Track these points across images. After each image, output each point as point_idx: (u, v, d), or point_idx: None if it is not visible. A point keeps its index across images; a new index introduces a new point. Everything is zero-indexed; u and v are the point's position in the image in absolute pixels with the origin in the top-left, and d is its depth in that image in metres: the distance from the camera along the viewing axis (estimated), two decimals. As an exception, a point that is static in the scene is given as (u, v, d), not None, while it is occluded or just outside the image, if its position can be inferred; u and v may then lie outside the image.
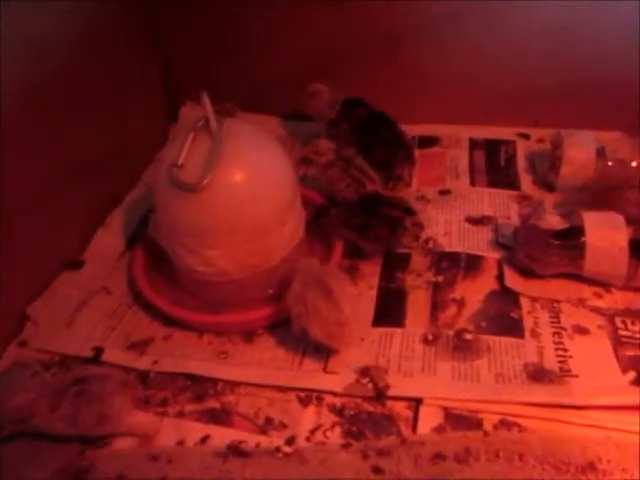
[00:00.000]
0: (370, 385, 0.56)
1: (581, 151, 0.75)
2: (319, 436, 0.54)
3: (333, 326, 0.56)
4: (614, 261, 0.62)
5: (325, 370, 0.59)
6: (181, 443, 0.54)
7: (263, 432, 0.55)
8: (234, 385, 0.59)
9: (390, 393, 0.56)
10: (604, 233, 0.62)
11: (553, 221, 0.74)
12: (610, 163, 0.74)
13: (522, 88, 0.89)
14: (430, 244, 0.72)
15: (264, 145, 0.64)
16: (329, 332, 0.57)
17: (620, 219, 0.63)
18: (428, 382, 0.56)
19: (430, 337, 0.60)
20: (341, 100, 0.85)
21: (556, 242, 0.64)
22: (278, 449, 0.52)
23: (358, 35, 0.90)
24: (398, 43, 0.89)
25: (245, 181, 0.60)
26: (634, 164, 0.76)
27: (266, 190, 0.61)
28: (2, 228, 0.62)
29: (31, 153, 0.66)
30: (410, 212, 0.70)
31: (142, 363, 0.61)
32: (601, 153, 0.76)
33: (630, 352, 0.58)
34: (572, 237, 0.63)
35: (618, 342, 0.59)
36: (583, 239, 0.62)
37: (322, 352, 0.61)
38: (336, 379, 0.58)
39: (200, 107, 0.60)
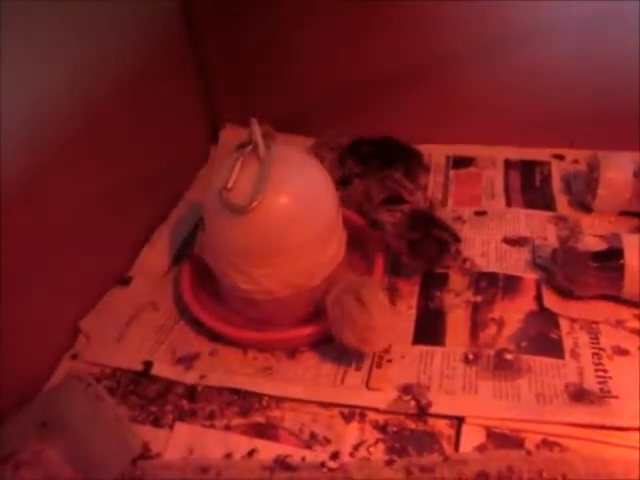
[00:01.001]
0: (412, 402, 0.58)
1: (619, 173, 0.76)
2: (362, 452, 0.56)
3: (363, 330, 0.58)
4: (653, 282, 0.62)
5: (367, 386, 0.60)
6: (229, 456, 0.56)
7: (308, 447, 0.56)
8: (279, 400, 0.61)
9: (432, 411, 0.57)
10: (643, 255, 0.63)
11: (591, 243, 0.74)
12: (646, 183, 0.75)
13: (556, 109, 0.89)
14: (467, 264, 0.73)
15: (308, 168, 0.66)
16: (359, 336, 0.59)
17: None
18: (470, 401, 0.57)
19: (471, 356, 0.62)
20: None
21: (595, 264, 0.65)
22: (323, 464, 0.54)
23: (398, 58, 0.92)
24: (442, 66, 0.91)
25: (291, 204, 0.62)
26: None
27: (310, 212, 0.63)
28: (54, 245, 0.65)
29: (84, 171, 0.70)
30: (458, 239, 0.71)
31: (190, 377, 0.63)
32: (638, 173, 0.76)
33: (671, 374, 0.58)
34: (611, 259, 0.64)
35: (662, 364, 0.60)
36: (622, 261, 0.63)
37: (364, 369, 0.62)
38: (379, 396, 0.59)
39: (239, 129, 0.63)
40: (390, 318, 0.62)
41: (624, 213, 0.79)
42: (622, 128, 0.87)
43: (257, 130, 0.62)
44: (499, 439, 0.55)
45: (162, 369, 0.64)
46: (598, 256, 0.65)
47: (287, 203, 0.62)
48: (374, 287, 0.61)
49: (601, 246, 0.71)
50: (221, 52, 0.97)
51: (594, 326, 0.64)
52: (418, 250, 0.68)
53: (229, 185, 0.61)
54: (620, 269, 0.63)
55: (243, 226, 0.61)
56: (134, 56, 0.79)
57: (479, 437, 0.55)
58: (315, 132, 0.99)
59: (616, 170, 0.76)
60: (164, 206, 0.87)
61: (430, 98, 0.93)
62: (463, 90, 0.92)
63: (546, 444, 0.54)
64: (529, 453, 0.53)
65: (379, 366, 0.62)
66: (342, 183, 0.78)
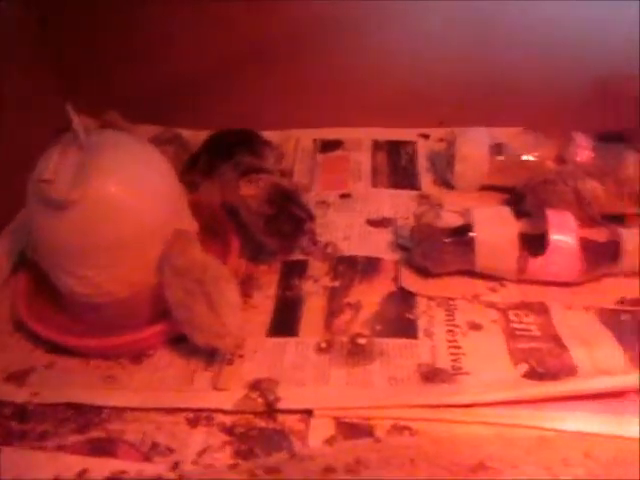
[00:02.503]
0: (260, 399, 0.54)
1: (474, 148, 0.75)
2: (208, 458, 0.51)
3: (213, 336, 0.54)
4: (503, 255, 0.62)
5: (216, 387, 0.56)
6: (56, 479, 0.50)
7: (147, 459, 0.52)
8: (120, 411, 0.56)
9: (280, 406, 0.53)
10: (492, 228, 0.62)
11: (450, 220, 0.74)
12: (501, 158, 0.75)
13: (425, 89, 0.89)
14: (329, 249, 0.70)
15: (143, 157, 0.61)
16: (209, 339, 0.55)
17: (509, 213, 0.63)
18: (320, 392, 0.54)
19: (323, 345, 0.59)
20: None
21: (448, 240, 0.63)
22: (160, 477, 0.49)
23: (254, 40, 0.88)
24: (299, 45, 0.88)
25: (121, 194, 0.57)
26: (531, 158, 0.76)
27: (145, 203, 0.58)
28: None
29: None
30: (312, 217, 0.68)
31: (21, 396, 0.57)
32: (495, 148, 0.76)
33: (522, 344, 0.58)
34: (463, 234, 0.63)
35: (511, 335, 0.59)
36: (472, 235, 0.62)
37: (214, 368, 0.58)
38: (226, 396, 0.55)
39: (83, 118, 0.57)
40: (242, 316, 0.58)
41: (487, 188, 0.79)
42: (489, 104, 0.87)
43: (75, 117, 0.56)
44: (349, 429, 0.52)
45: (-12, 389, 0.57)
46: (451, 232, 0.64)
47: (115, 193, 0.56)
48: (224, 282, 0.57)
49: (458, 222, 0.70)
50: (73, 44, 0.90)
51: (451, 303, 0.63)
52: (272, 227, 0.65)
53: (47, 176, 0.55)
54: (471, 243, 0.62)
55: (67, 222, 0.56)
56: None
57: (329, 429, 0.52)
58: (181, 122, 0.94)
59: (471, 145, 0.75)
60: (6, 210, 0.79)
61: (292, 82, 0.90)
62: (326, 73, 0.90)
63: (396, 429, 0.51)
64: (377, 441, 0.50)
65: (230, 363, 0.58)
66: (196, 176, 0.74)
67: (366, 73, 0.90)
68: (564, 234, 0.61)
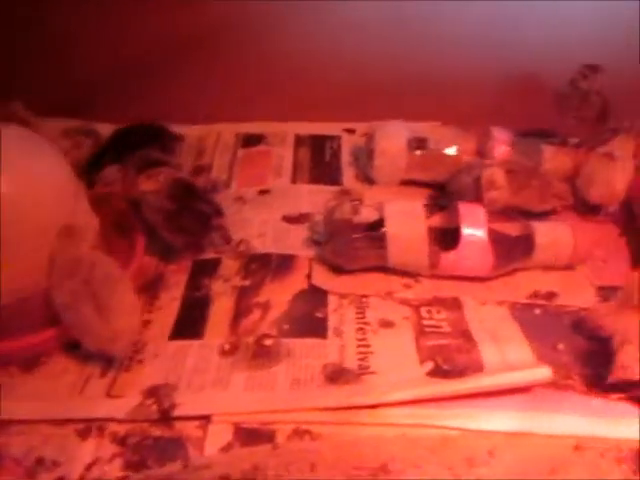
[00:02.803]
0: (155, 406, 0.51)
1: (392, 142, 0.74)
2: (96, 471, 0.48)
3: (105, 340, 0.51)
4: (415, 250, 0.60)
5: (109, 394, 0.53)
6: None
7: (31, 475, 0.48)
8: (5, 425, 0.51)
9: (176, 413, 0.50)
10: (403, 223, 0.61)
11: (370, 215, 0.72)
12: (419, 152, 0.74)
13: (349, 84, 0.87)
14: (242, 246, 0.68)
15: (32, 151, 0.57)
16: (101, 345, 0.51)
17: (420, 208, 0.62)
18: (218, 397, 0.51)
19: (227, 347, 0.56)
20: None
21: (359, 235, 0.62)
22: (40, 494, 0.46)
23: (175, 34, 0.85)
24: (222, 39, 0.86)
25: (4, 191, 0.52)
26: (450, 152, 0.76)
27: (35, 201, 0.55)
28: None
29: None
30: (220, 212, 0.65)
31: None
32: (415, 142, 0.75)
33: (431, 341, 0.56)
34: (374, 229, 0.61)
35: (421, 332, 0.57)
36: (383, 230, 0.60)
37: (110, 374, 0.55)
38: (119, 404, 0.51)
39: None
40: (138, 318, 0.55)
41: (408, 183, 0.77)
42: (409, 99, 0.86)
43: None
44: (248, 435, 0.49)
45: None
46: (362, 227, 0.63)
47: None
48: (112, 282, 0.53)
49: (375, 217, 0.68)
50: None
51: (364, 300, 0.61)
52: (176, 223, 0.62)
53: None
54: (382, 238, 0.61)
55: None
56: None
57: (226, 436, 0.49)
58: (101, 117, 0.90)
59: (390, 139, 0.74)
60: None
61: (214, 76, 0.87)
62: (250, 67, 0.88)
63: (297, 434, 0.49)
64: (276, 447, 0.48)
65: (128, 369, 0.55)
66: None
67: (291, 67, 0.88)
68: (475, 228, 0.60)
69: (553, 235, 0.63)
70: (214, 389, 0.52)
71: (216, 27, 0.85)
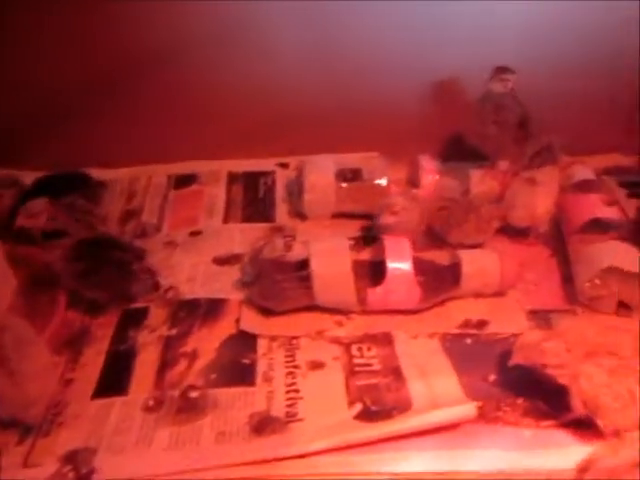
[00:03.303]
0: (72, 474, 0.48)
1: (320, 176, 0.74)
2: None
3: (18, 409, 0.48)
4: (341, 288, 0.60)
5: (26, 464, 0.50)
6: None
7: None
8: None
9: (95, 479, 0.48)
10: (328, 260, 0.60)
11: (302, 253, 0.71)
12: (346, 185, 0.74)
13: (278, 117, 0.87)
14: (170, 293, 0.66)
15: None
16: (15, 416, 0.49)
17: (344, 244, 0.61)
18: (140, 458, 0.49)
19: (151, 402, 0.54)
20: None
21: (285, 275, 0.61)
22: None
23: (95, 73, 0.84)
24: (146, 79, 0.84)
25: None
26: (381, 183, 0.76)
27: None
28: None
29: None
30: (140, 256, 0.64)
31: None
32: (343, 175, 0.75)
33: (361, 381, 0.55)
34: (299, 268, 0.61)
35: (351, 372, 0.56)
36: (309, 269, 0.60)
37: (28, 441, 0.52)
38: (35, 473, 0.49)
39: None
40: (52, 383, 0.53)
41: (340, 216, 0.77)
42: (341, 130, 0.86)
43: None
44: (169, 497, 0.47)
45: None
46: (290, 267, 0.62)
47: None
48: (25, 345, 0.51)
49: (303, 255, 0.68)
50: None
51: (294, 342, 0.60)
52: (94, 280, 0.60)
53: None
54: (308, 278, 0.60)
55: None
56: None
57: (147, 499, 0.47)
58: (24, 165, 0.88)
59: (318, 173, 0.74)
60: None
61: (141, 118, 0.85)
62: (178, 106, 0.86)
63: (222, 491, 0.47)
64: (197, 508, 0.46)
65: (47, 434, 0.52)
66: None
67: (221, 102, 0.87)
68: (400, 261, 0.60)
69: (480, 263, 0.63)
70: (136, 450, 0.50)
71: (140, 64, 0.84)
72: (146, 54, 0.82)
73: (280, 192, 0.83)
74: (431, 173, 0.74)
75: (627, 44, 0.81)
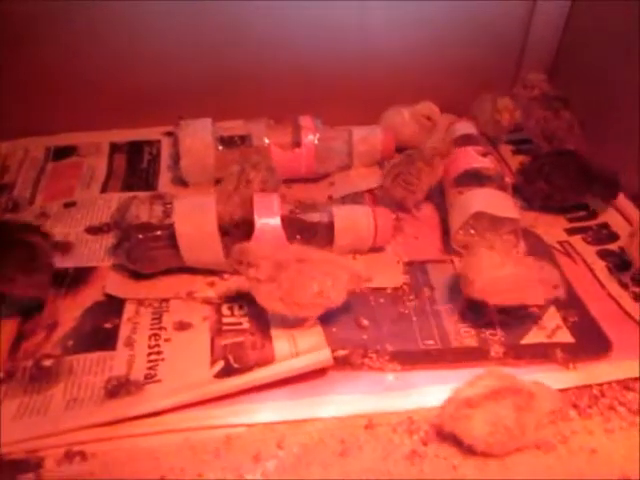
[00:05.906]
0: None
1: (197, 140, 0.71)
2: None
3: None
4: (206, 246, 0.58)
5: None
6: None
7: None
8: None
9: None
10: (192, 219, 0.58)
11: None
12: (221, 148, 0.72)
13: (165, 86, 0.84)
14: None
15: None
16: None
17: (210, 203, 0.59)
18: (-17, 430, 0.46)
19: (1, 375, 0.51)
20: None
21: (150, 236, 0.58)
22: None
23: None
24: (18, 43, 0.79)
25: None
26: (264, 144, 0.74)
27: None
28: None
29: None
30: (46, 236, 0.60)
31: None
32: (224, 140, 0.73)
33: (227, 340, 0.54)
34: (164, 228, 0.58)
35: (218, 332, 0.55)
36: (173, 229, 0.58)
37: None
38: None
39: None
40: None
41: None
42: (231, 98, 0.84)
43: None
44: (11, 467, 0.45)
45: None
46: (152, 228, 0.59)
47: None
48: None
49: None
50: None
51: (163, 304, 0.58)
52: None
53: None
54: (172, 238, 0.58)
55: None
56: None
57: (-11, 472, 0.44)
58: None
59: (194, 136, 0.71)
60: None
61: (16, 87, 0.80)
62: (55, 74, 0.82)
63: (68, 457, 0.45)
64: (39, 476, 0.44)
65: None
66: None
67: (101, 74, 0.83)
68: (269, 217, 0.59)
69: (353, 218, 0.62)
70: (-18, 422, 0.47)
71: (14, 32, 0.79)
72: (21, 21, 0.78)
73: (166, 161, 0.81)
74: (310, 132, 0.73)
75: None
